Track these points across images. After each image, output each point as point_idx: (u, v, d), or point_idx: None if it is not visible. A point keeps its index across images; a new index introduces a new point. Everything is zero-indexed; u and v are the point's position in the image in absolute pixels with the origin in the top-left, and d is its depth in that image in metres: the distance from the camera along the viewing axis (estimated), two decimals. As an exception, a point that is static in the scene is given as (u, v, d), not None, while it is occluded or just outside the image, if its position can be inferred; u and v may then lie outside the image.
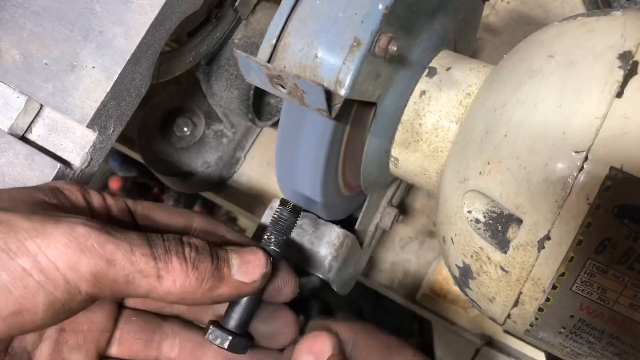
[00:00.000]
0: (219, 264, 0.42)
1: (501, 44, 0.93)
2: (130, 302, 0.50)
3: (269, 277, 0.45)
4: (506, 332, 0.78)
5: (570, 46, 0.46)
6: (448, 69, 0.55)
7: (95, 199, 0.45)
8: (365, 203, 0.65)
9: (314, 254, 0.59)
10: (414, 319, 1.37)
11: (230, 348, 0.45)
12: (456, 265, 0.52)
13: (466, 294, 0.54)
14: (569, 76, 0.45)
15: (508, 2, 0.94)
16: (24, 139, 0.54)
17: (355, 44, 0.44)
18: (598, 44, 0.45)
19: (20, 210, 0.38)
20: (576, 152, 0.42)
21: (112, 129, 0.55)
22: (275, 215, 0.49)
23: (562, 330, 0.47)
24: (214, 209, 1.58)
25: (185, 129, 0.87)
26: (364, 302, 1.48)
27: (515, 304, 0.48)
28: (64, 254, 0.36)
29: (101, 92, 0.53)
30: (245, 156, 0.91)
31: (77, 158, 0.53)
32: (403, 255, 0.84)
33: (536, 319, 0.48)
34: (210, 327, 0.46)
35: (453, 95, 0.54)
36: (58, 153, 0.54)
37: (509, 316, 0.50)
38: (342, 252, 0.60)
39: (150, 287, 0.39)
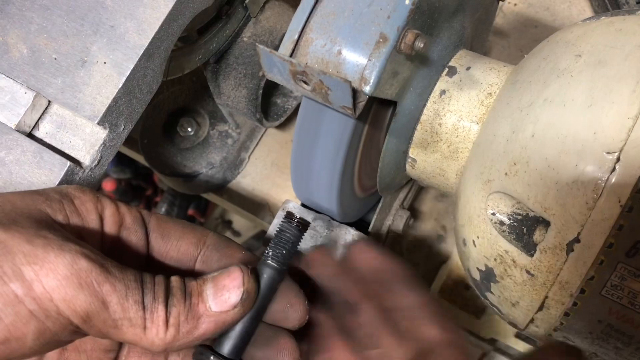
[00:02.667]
0: (191, 303, 0.39)
1: (508, 46, 0.92)
2: None
3: (255, 296, 0.41)
4: (518, 337, 0.76)
5: (598, 45, 0.45)
6: (468, 68, 0.54)
7: (108, 209, 0.42)
8: (379, 205, 0.63)
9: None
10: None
11: None
12: (477, 268, 0.51)
13: (486, 298, 0.53)
14: (599, 75, 0.44)
15: (515, 5, 0.93)
16: (31, 136, 0.52)
17: (381, 40, 0.43)
18: (627, 43, 0.44)
19: (23, 227, 0.36)
20: (608, 152, 0.41)
21: (123, 126, 0.54)
22: (279, 229, 0.44)
23: (589, 335, 0.46)
24: (206, 212, 1.56)
25: (189, 129, 0.86)
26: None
27: (540, 308, 0.47)
28: (61, 287, 0.35)
29: (112, 88, 0.51)
30: (249, 157, 0.89)
31: (86, 156, 0.52)
32: (411, 259, 0.83)
33: (561, 323, 0.47)
34: (200, 348, 0.42)
35: (474, 95, 0.53)
36: (67, 151, 0.52)
37: (532, 321, 0.49)
38: (357, 255, 0.58)
39: (135, 338, 0.37)
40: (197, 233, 0.45)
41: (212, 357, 0.41)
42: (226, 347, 0.41)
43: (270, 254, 0.43)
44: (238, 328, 0.41)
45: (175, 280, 0.39)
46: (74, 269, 0.35)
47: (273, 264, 0.42)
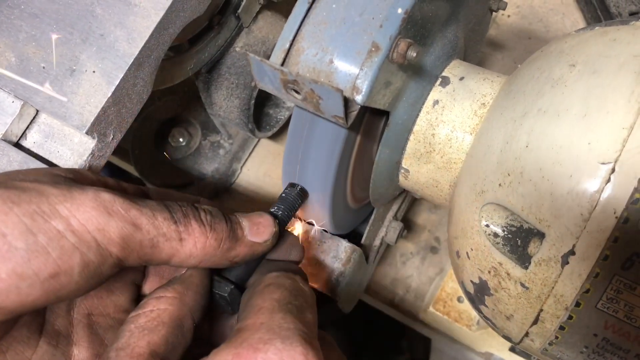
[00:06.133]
0: (233, 226, 0.43)
1: (502, 57, 0.92)
2: (146, 287, 0.49)
3: (278, 237, 0.47)
4: (512, 351, 0.76)
5: (592, 55, 0.45)
6: (461, 78, 0.54)
7: (110, 182, 0.46)
8: (372, 216, 0.63)
9: (320, 269, 0.57)
10: (403, 338, 1.35)
11: (230, 296, 0.45)
12: (471, 281, 0.50)
13: (480, 312, 0.52)
14: (593, 85, 0.43)
15: (509, 16, 0.93)
16: (18, 145, 0.51)
17: (373, 49, 0.43)
18: (622, 52, 0.44)
19: (45, 180, 0.38)
20: (603, 163, 0.41)
21: (112, 136, 0.53)
22: (284, 194, 0.52)
23: (584, 349, 0.45)
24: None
25: (181, 139, 0.85)
26: (354, 320, 1.46)
27: (535, 321, 0.46)
28: (93, 217, 0.37)
29: (101, 97, 0.51)
30: (241, 168, 0.88)
31: (74, 167, 0.51)
32: (404, 272, 0.82)
33: (556, 337, 0.46)
34: (216, 276, 0.46)
35: (467, 105, 0.52)
36: (54, 161, 0.51)
37: (526, 334, 0.48)
38: (350, 267, 0.57)
39: (172, 251, 0.40)
40: (191, 198, 0.50)
41: (226, 284, 0.45)
42: (234, 276, 0.46)
43: (280, 210, 0.50)
44: (247, 265, 0.47)
45: (211, 207, 0.43)
46: (99, 201, 0.37)
47: (279, 215, 0.50)
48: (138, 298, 0.48)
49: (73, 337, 0.43)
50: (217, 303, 0.46)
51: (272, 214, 0.49)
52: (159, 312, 0.40)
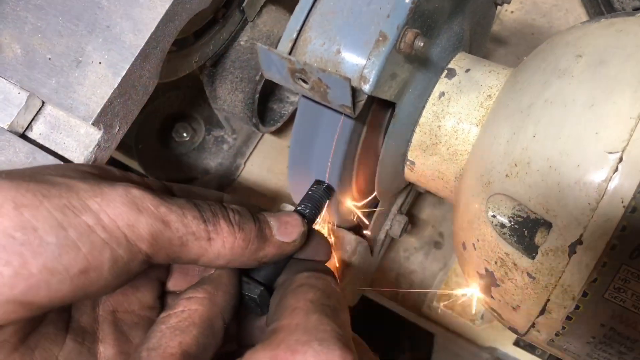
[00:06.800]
0: (261, 226, 0.42)
1: (505, 53, 0.92)
2: (170, 285, 0.49)
3: (306, 236, 0.46)
4: (517, 345, 0.76)
5: (599, 46, 0.45)
6: (467, 70, 0.54)
7: (135, 178, 0.45)
8: (377, 210, 0.63)
9: (325, 261, 0.57)
10: (405, 336, 1.35)
11: (260, 298, 0.45)
12: (477, 272, 0.50)
13: (486, 303, 0.52)
14: (600, 76, 0.43)
15: (512, 12, 0.93)
16: (24, 137, 0.51)
17: (380, 38, 0.43)
18: (629, 43, 0.44)
19: (74, 175, 0.38)
20: (610, 152, 0.41)
21: (118, 127, 0.53)
22: (310, 192, 0.51)
23: (591, 339, 0.45)
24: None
25: (185, 134, 0.85)
26: (354, 319, 1.46)
27: (542, 312, 0.46)
28: (123, 213, 0.36)
29: (108, 88, 0.51)
30: (245, 164, 0.88)
31: (80, 158, 0.51)
32: (408, 267, 0.82)
33: (563, 328, 0.46)
34: (244, 277, 0.45)
35: (473, 97, 0.52)
36: (60, 152, 0.51)
37: (533, 325, 0.48)
38: (355, 260, 0.57)
39: (201, 250, 0.40)
40: (214, 193, 0.50)
41: (256, 286, 0.45)
42: (261, 277, 0.46)
43: (307, 208, 0.49)
44: (275, 266, 0.46)
45: (239, 206, 0.43)
46: (129, 198, 0.37)
47: (307, 213, 0.49)
48: (163, 295, 0.48)
49: (99, 335, 0.43)
50: (246, 304, 0.45)
51: (299, 212, 0.48)
52: (190, 313, 0.39)
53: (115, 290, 0.40)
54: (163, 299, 0.47)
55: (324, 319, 0.38)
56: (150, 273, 0.47)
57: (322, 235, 0.49)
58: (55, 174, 0.37)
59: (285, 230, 0.44)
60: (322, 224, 0.59)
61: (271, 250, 0.43)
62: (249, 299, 0.45)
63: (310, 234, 0.47)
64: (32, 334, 0.38)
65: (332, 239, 0.59)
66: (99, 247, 0.35)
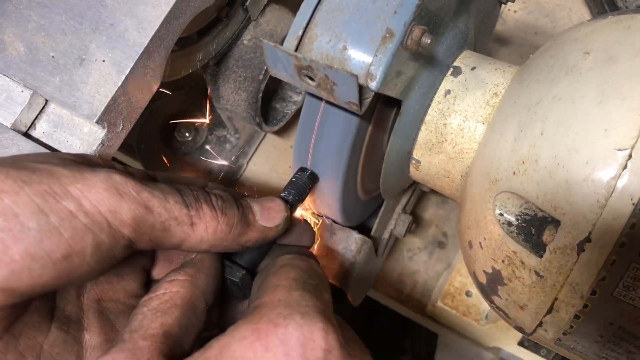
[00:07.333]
0: (244, 211, 0.43)
1: (508, 52, 0.92)
2: (155, 273, 0.49)
3: (289, 221, 0.46)
4: (521, 345, 0.75)
5: (607, 42, 0.45)
6: (473, 68, 0.53)
7: (118, 166, 0.45)
8: (382, 209, 0.62)
9: (330, 260, 0.57)
10: (406, 337, 1.35)
11: (242, 281, 0.45)
12: (484, 271, 0.50)
13: (492, 302, 0.52)
14: (609, 72, 0.43)
15: (515, 12, 0.93)
16: (27, 135, 0.51)
17: (387, 35, 0.42)
18: (637, 39, 0.43)
19: (55, 162, 0.38)
20: (619, 150, 0.40)
21: (122, 126, 0.52)
22: (294, 179, 0.52)
23: (600, 338, 0.45)
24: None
25: (187, 134, 0.84)
26: (355, 319, 1.45)
27: (549, 311, 0.46)
28: (105, 199, 0.36)
29: (112, 86, 0.50)
30: (247, 163, 0.88)
31: (84, 156, 0.51)
32: (411, 266, 0.81)
33: (571, 326, 0.45)
34: (227, 261, 0.46)
35: (479, 95, 0.52)
36: (64, 151, 0.51)
37: (540, 324, 0.47)
38: (360, 259, 0.57)
39: (184, 235, 0.40)
40: (198, 181, 0.49)
41: (238, 269, 0.45)
42: (244, 261, 0.46)
43: (290, 194, 0.50)
44: (258, 250, 0.46)
45: (222, 192, 0.43)
46: (110, 183, 0.37)
47: (290, 199, 0.50)
48: (148, 283, 0.48)
49: (84, 323, 0.43)
50: (228, 288, 0.46)
51: (282, 198, 0.48)
52: (171, 295, 0.40)
53: (98, 277, 0.40)
54: (148, 287, 0.47)
55: (306, 294, 0.38)
56: (135, 261, 0.47)
57: (306, 221, 0.49)
58: (36, 161, 0.37)
59: (268, 215, 0.44)
60: (306, 211, 0.59)
61: (254, 235, 0.43)
62: (231, 282, 0.45)
63: (293, 220, 0.48)
64: (16, 322, 0.38)
65: (314, 226, 0.59)
66: (81, 233, 0.35)
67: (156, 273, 0.48)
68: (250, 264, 0.46)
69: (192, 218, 0.40)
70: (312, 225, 0.51)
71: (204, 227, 0.40)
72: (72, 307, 0.43)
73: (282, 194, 0.50)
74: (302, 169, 0.53)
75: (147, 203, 0.38)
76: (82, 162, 0.41)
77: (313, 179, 0.53)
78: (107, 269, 0.38)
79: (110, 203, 0.36)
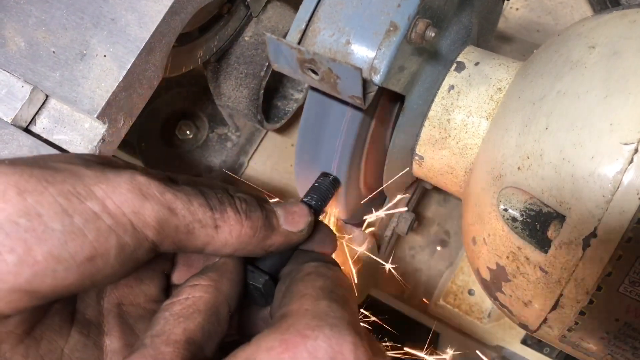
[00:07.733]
0: (268, 215, 0.42)
1: (510, 50, 0.92)
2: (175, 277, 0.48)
3: (313, 226, 0.45)
4: (524, 343, 0.75)
5: (612, 37, 0.44)
6: (477, 63, 0.53)
7: (139, 168, 0.44)
8: (385, 206, 0.62)
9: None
10: (410, 334, 1.34)
11: (265, 287, 0.44)
12: (488, 267, 0.49)
13: (495, 299, 0.51)
14: (614, 66, 0.42)
15: (517, 9, 0.93)
16: (28, 130, 0.50)
17: (391, 28, 0.42)
18: (643, 33, 0.43)
19: (78, 162, 0.37)
20: (625, 144, 0.40)
21: (123, 122, 0.52)
22: (316, 184, 0.51)
23: (605, 335, 0.44)
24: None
25: (188, 132, 0.84)
26: (360, 315, 1.45)
27: (554, 307, 0.45)
28: (128, 200, 0.35)
29: (113, 81, 0.50)
30: (248, 162, 0.88)
31: (84, 152, 0.50)
32: (414, 265, 0.81)
33: (576, 323, 0.45)
34: (249, 266, 0.44)
35: (483, 90, 0.51)
36: (64, 146, 0.50)
37: (545, 321, 0.47)
38: (363, 256, 0.57)
39: (207, 238, 0.39)
40: (221, 185, 0.48)
41: (261, 275, 0.44)
42: (267, 266, 0.45)
43: (314, 199, 0.49)
44: (281, 255, 0.45)
45: (246, 195, 0.42)
46: (134, 184, 0.36)
47: (313, 204, 0.48)
48: (167, 288, 0.47)
49: (104, 327, 0.42)
50: (250, 294, 0.44)
51: (305, 203, 0.48)
52: (194, 300, 0.39)
53: (121, 279, 0.39)
54: (168, 292, 0.46)
55: (333, 305, 0.37)
56: (155, 265, 0.46)
57: (328, 227, 0.48)
58: (59, 161, 0.37)
59: (292, 220, 0.43)
60: (329, 218, 0.58)
61: (278, 239, 0.42)
62: (253, 288, 0.44)
63: (316, 226, 0.46)
64: (37, 325, 0.37)
65: (338, 232, 0.58)
66: (105, 234, 0.34)
67: (176, 277, 0.47)
68: (273, 269, 0.45)
69: (216, 221, 0.39)
70: (334, 231, 0.51)
71: (228, 230, 0.39)
72: (93, 311, 0.42)
73: (305, 199, 0.49)
74: (325, 174, 0.53)
75: (171, 205, 0.37)
76: (104, 163, 0.40)
77: (335, 184, 0.52)
78: (130, 271, 0.37)
79: (134, 204, 0.36)
